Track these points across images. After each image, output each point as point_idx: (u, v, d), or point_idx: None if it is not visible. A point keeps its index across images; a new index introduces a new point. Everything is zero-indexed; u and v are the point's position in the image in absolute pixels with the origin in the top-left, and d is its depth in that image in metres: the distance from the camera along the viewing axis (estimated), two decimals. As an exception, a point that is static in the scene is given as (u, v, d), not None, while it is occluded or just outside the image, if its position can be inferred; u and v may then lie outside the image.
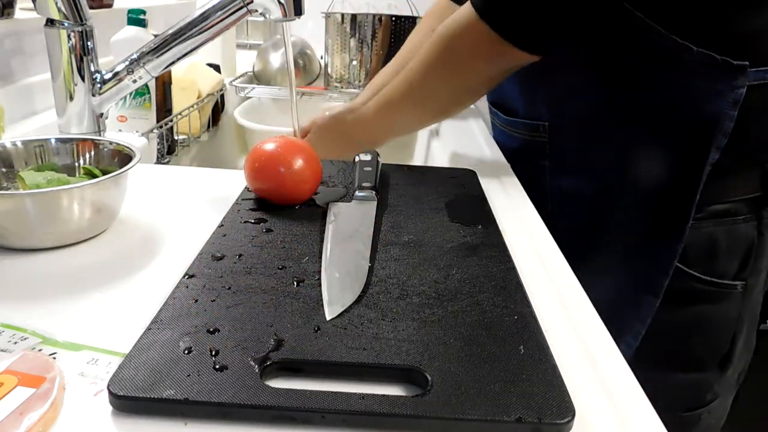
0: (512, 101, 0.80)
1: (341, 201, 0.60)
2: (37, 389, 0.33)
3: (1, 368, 0.34)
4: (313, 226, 0.54)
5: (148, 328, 0.37)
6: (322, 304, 0.41)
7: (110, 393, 0.32)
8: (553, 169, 0.76)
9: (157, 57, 0.73)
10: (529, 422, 0.32)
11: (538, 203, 0.67)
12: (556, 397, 0.33)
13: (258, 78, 1.39)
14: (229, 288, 0.43)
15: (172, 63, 0.74)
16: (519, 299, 0.44)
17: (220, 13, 0.71)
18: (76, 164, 0.60)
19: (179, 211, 0.60)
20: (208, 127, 1.18)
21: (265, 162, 0.58)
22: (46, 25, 0.71)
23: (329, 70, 1.33)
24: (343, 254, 0.48)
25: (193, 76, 1.09)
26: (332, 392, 0.33)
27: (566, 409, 0.33)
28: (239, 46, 1.64)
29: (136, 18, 0.91)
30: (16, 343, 0.38)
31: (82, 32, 0.72)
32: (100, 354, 0.37)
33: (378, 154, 0.68)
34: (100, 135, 0.76)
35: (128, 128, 0.91)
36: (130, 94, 0.89)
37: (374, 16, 1.25)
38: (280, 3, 0.71)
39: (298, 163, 0.57)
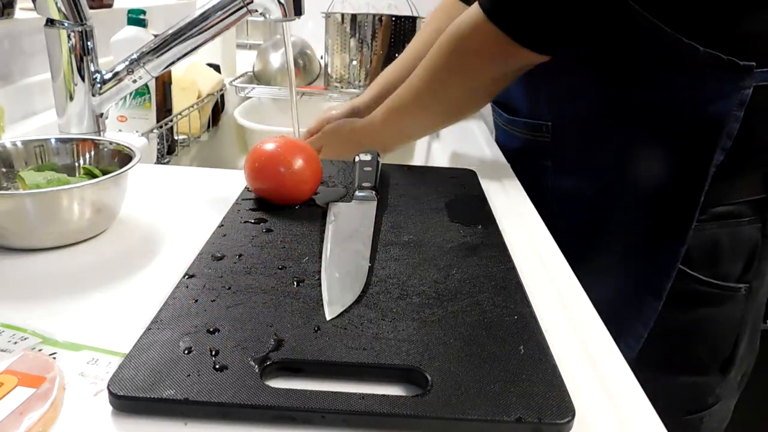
0: (515, 101, 0.80)
1: (341, 201, 0.60)
2: (37, 389, 0.33)
3: (1, 368, 0.34)
4: (313, 226, 0.54)
5: (148, 328, 0.37)
6: (322, 304, 0.41)
7: (110, 393, 0.32)
8: (555, 168, 0.76)
9: (157, 57, 0.73)
10: (529, 422, 0.32)
11: (538, 203, 0.67)
12: (556, 397, 0.33)
13: (258, 78, 1.39)
14: (229, 288, 0.43)
15: (172, 63, 0.74)
16: (519, 299, 0.44)
17: (220, 13, 0.71)
18: (76, 164, 0.60)
19: (179, 211, 0.60)
20: (208, 127, 1.18)
21: (265, 162, 0.58)
22: (46, 25, 0.71)
23: (329, 70, 1.33)
24: (343, 254, 0.48)
25: (193, 76, 1.09)
26: (332, 392, 0.33)
27: (566, 409, 0.33)
28: (239, 46, 1.64)
29: (136, 18, 0.91)
30: (16, 343, 0.38)
31: (82, 32, 0.72)
32: (100, 354, 0.37)
33: (378, 154, 0.68)
34: (100, 135, 0.76)
35: (128, 128, 0.91)
36: (130, 94, 0.89)
37: (374, 16, 1.25)
38: (280, 3, 0.71)
39: (298, 163, 0.57)
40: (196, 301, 0.41)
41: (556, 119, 0.75)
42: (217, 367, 0.34)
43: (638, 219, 0.71)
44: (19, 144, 0.58)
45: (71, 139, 0.61)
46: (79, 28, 0.72)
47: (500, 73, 0.69)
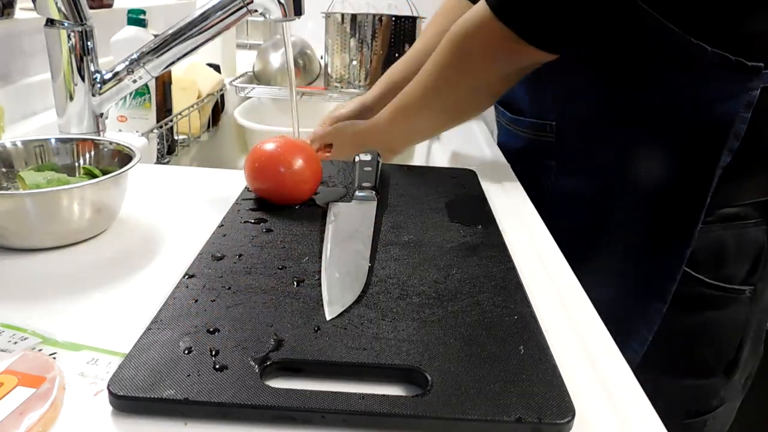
0: (520, 100, 0.80)
1: (341, 201, 0.60)
2: (37, 389, 0.33)
3: (1, 368, 0.34)
4: (313, 226, 0.54)
5: (148, 328, 0.37)
6: (322, 304, 0.41)
7: (110, 393, 0.32)
8: (559, 169, 0.76)
9: (157, 57, 0.73)
10: (529, 422, 0.32)
11: (538, 203, 0.67)
12: (556, 397, 0.33)
13: (258, 78, 1.39)
14: (229, 288, 0.43)
15: (172, 63, 0.74)
16: (519, 299, 0.44)
17: (220, 13, 0.71)
18: (76, 164, 0.60)
19: (179, 211, 0.60)
20: (208, 127, 1.18)
21: (265, 162, 0.58)
22: (46, 25, 0.71)
23: (329, 70, 1.33)
24: (343, 254, 0.48)
25: (193, 76, 1.09)
26: (332, 392, 0.33)
27: (566, 409, 0.33)
28: (239, 46, 1.64)
29: (136, 18, 0.91)
30: (16, 343, 0.38)
31: (82, 32, 0.72)
32: (100, 354, 0.37)
33: (378, 154, 0.68)
34: (100, 135, 0.76)
35: (128, 128, 0.91)
36: (130, 94, 0.89)
37: (374, 16, 1.25)
38: (280, 3, 0.71)
39: (298, 163, 0.57)
40: (196, 301, 0.41)
41: (560, 119, 0.74)
42: (217, 367, 0.34)
43: (639, 219, 0.70)
44: (19, 144, 0.58)
45: (71, 139, 0.61)
46: (79, 28, 0.72)
47: (506, 72, 0.69)
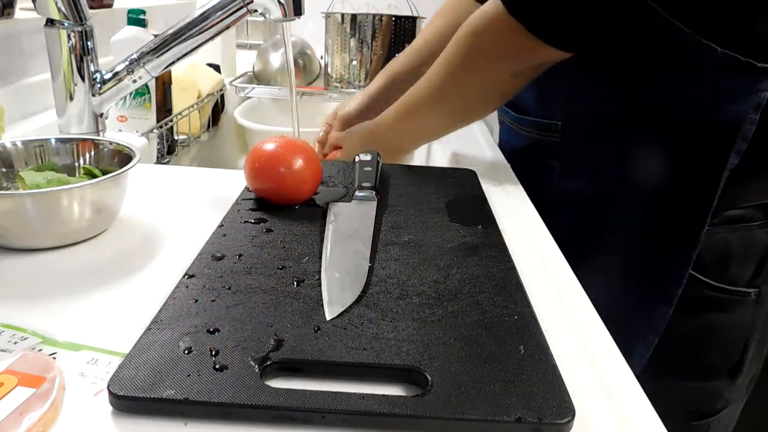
0: (525, 99, 0.79)
1: (341, 201, 0.60)
2: (37, 389, 0.33)
3: (1, 368, 0.34)
4: (313, 226, 0.54)
5: (148, 328, 0.37)
6: (322, 304, 0.41)
7: (110, 393, 0.32)
8: (562, 169, 0.75)
9: (157, 57, 0.73)
10: (529, 422, 0.32)
11: (539, 203, 0.66)
12: (556, 397, 0.33)
13: (258, 78, 1.39)
14: (229, 288, 0.43)
15: (172, 63, 0.74)
16: (519, 299, 0.44)
17: (220, 13, 0.71)
18: (76, 164, 0.60)
19: (179, 211, 0.60)
20: (208, 127, 1.18)
21: (265, 162, 0.58)
22: (46, 25, 0.71)
23: (329, 70, 1.33)
24: (343, 254, 0.48)
25: (193, 76, 1.09)
26: (332, 392, 0.33)
27: (566, 409, 0.33)
28: (239, 46, 1.64)
29: (136, 18, 0.92)
30: (16, 343, 0.38)
31: (82, 32, 0.72)
32: (100, 354, 0.37)
33: (378, 154, 0.68)
34: (100, 135, 0.76)
35: (128, 128, 0.91)
36: (130, 94, 0.89)
37: (374, 16, 1.25)
38: (280, 3, 0.71)
39: (298, 163, 0.57)
40: (196, 301, 0.41)
41: (567, 119, 0.73)
42: (217, 367, 0.34)
43: (640, 220, 0.70)
44: (19, 144, 0.58)
45: (71, 139, 0.61)
46: (79, 28, 0.72)
47: (517, 71, 0.68)
